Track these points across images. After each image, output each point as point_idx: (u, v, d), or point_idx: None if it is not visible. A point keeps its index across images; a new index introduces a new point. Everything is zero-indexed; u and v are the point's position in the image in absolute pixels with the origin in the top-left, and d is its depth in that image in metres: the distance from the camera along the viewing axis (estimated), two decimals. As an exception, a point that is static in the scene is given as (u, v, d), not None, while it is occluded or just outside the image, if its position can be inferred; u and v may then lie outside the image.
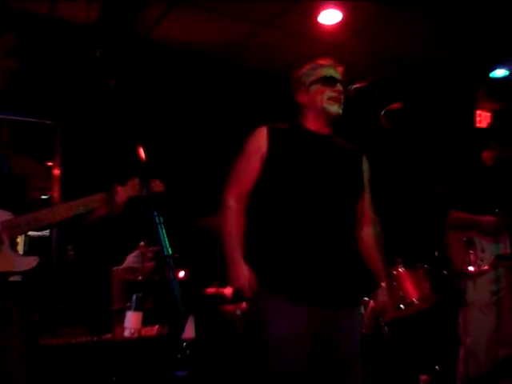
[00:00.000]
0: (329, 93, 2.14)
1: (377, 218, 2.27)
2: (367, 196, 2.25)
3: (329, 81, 2.15)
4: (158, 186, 2.14)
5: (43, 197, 4.20)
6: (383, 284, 2.18)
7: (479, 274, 2.97)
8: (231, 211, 2.11)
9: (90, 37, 3.80)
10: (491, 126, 3.51)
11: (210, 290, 4.02)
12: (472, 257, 2.98)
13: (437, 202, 3.09)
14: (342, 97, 2.16)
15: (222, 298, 3.93)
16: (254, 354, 2.11)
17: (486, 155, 3.18)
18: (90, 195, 2.02)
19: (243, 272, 2.04)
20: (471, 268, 2.98)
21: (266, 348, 2.02)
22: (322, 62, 2.21)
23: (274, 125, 2.18)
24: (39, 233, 3.62)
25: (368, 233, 2.24)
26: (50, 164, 4.40)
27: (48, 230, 3.96)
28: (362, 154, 2.27)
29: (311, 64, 2.21)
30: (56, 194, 4.24)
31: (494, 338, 2.94)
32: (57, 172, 4.35)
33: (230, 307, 3.75)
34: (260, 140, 2.13)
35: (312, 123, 2.20)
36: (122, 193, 2.04)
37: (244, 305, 3.72)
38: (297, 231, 2.05)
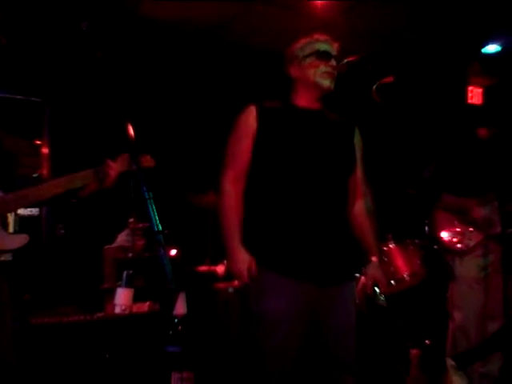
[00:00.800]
0: (322, 67, 2.12)
1: (369, 191, 2.27)
2: (360, 169, 2.24)
3: (323, 55, 2.13)
4: (148, 161, 2.13)
5: (33, 175, 4.15)
6: (374, 259, 2.18)
7: (466, 252, 3.00)
8: (228, 195, 2.10)
9: (76, 10, 3.72)
10: (487, 102, 3.49)
11: (202, 268, 4.03)
12: (459, 236, 3.00)
13: (432, 181, 3.09)
14: (335, 72, 2.14)
15: (214, 276, 3.94)
16: (244, 330, 2.12)
17: (482, 132, 3.16)
18: (79, 171, 2.00)
19: (242, 257, 2.04)
20: (459, 245, 3.01)
21: (258, 323, 2.03)
22: (318, 36, 2.19)
23: (263, 103, 2.16)
24: (29, 212, 3.59)
25: (360, 207, 2.23)
26: (39, 142, 4.35)
27: (38, 209, 3.94)
28: (354, 126, 2.26)
29: (307, 38, 2.19)
30: (45, 172, 4.20)
31: (482, 313, 2.98)
32: (45, 150, 4.30)
33: (222, 285, 3.76)
34: (249, 119, 2.12)
35: (303, 99, 2.18)
36: (114, 167, 2.02)
37: (236, 282, 3.74)
38: (288, 207, 2.05)
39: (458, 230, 3.03)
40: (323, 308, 2.04)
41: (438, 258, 3.17)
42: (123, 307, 2.79)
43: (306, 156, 2.08)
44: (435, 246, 3.16)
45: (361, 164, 2.24)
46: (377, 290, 2.20)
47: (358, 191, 2.23)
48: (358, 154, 2.24)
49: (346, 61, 2.16)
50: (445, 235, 3.07)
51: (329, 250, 2.05)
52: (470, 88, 4.95)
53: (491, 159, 3.06)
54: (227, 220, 2.09)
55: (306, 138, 2.11)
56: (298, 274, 2.01)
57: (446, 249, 3.07)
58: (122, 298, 2.80)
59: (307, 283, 2.01)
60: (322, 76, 2.12)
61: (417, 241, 3.42)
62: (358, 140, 2.25)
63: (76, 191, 1.99)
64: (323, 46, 2.15)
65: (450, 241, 3.03)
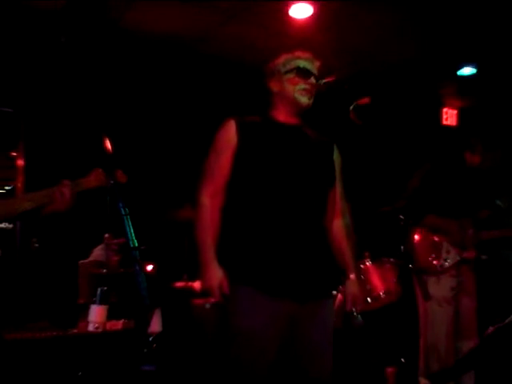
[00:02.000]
0: (301, 84, 2.15)
1: (348, 209, 2.28)
2: (339, 186, 2.25)
3: (303, 72, 2.16)
4: (120, 176, 2.11)
5: (7, 187, 4.09)
6: (352, 276, 2.19)
7: (442, 272, 3.03)
8: (205, 210, 2.08)
9: (56, 22, 3.70)
10: (462, 124, 3.55)
11: (179, 284, 4.00)
12: (436, 257, 3.04)
13: (411, 203, 3.12)
14: (313, 90, 2.16)
15: (190, 292, 3.91)
16: (221, 347, 2.10)
17: (469, 157, 3.20)
18: (41, 190, 1.97)
19: (215, 273, 2.01)
20: (436, 265, 3.04)
21: (234, 338, 2.00)
22: (300, 53, 2.21)
23: (243, 117, 2.17)
24: (3, 225, 3.53)
25: (339, 224, 2.23)
26: (14, 154, 4.29)
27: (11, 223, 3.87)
28: (332, 144, 2.28)
29: (289, 54, 2.21)
30: (20, 185, 4.14)
31: (452, 332, 3.01)
32: (20, 162, 4.24)
33: (199, 301, 3.73)
34: (229, 133, 2.11)
35: (282, 114, 2.19)
36: (69, 187, 1.98)
37: (213, 299, 3.71)
38: (267, 222, 2.03)
39: (433, 251, 3.07)
40: (301, 324, 2.03)
41: (413, 277, 3.19)
42: (96, 325, 2.74)
43: (287, 170, 2.08)
44: (410, 265, 3.18)
45: (340, 181, 2.26)
46: (353, 308, 2.19)
47: (336, 208, 2.23)
48: (337, 171, 2.26)
49: (323, 81, 2.18)
50: (423, 255, 3.10)
51: (307, 266, 2.04)
52: (445, 110, 5.06)
53: (474, 182, 3.11)
54: (202, 235, 2.07)
55: (287, 152, 2.12)
56: (276, 291, 1.99)
57: (423, 268, 3.09)
58: (96, 315, 2.76)
59: (285, 299, 1.99)
60: (300, 93, 2.14)
61: (392, 259, 3.45)
62: (337, 157, 2.27)
63: (40, 209, 1.95)
64: (303, 64, 2.18)
65: (428, 260, 3.06)
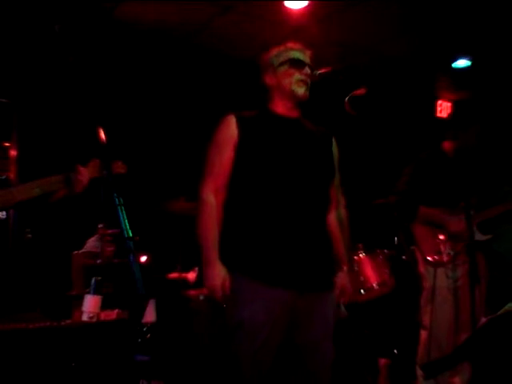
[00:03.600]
0: (297, 75, 2.15)
1: (343, 201, 2.29)
2: (336, 179, 2.26)
3: (297, 63, 2.16)
4: (119, 167, 2.11)
5: (0, 177, 4.06)
6: (345, 267, 2.20)
7: (448, 262, 3.04)
8: (210, 206, 2.06)
9: (49, 12, 3.67)
10: (451, 116, 3.57)
11: (173, 275, 4.00)
12: (441, 246, 3.04)
13: (406, 193, 3.13)
14: (309, 80, 2.16)
15: (184, 283, 3.91)
16: (221, 338, 2.10)
17: (447, 146, 3.23)
18: (48, 176, 1.97)
19: (218, 272, 2.00)
20: (441, 256, 3.04)
21: (236, 330, 2.00)
22: (291, 45, 2.22)
23: (241, 112, 2.16)
24: (-5, 215, 3.51)
25: (333, 215, 2.25)
26: (7, 144, 4.26)
27: (4, 213, 3.85)
28: (331, 136, 2.28)
29: (280, 47, 2.21)
30: (13, 176, 4.11)
31: (453, 323, 3.02)
32: (13, 153, 4.21)
33: (192, 292, 3.74)
34: (230, 128, 2.11)
35: (280, 106, 2.19)
36: (85, 173, 2.00)
37: (207, 290, 3.71)
38: (270, 214, 2.04)
39: (438, 241, 3.08)
40: (301, 317, 2.04)
41: (406, 269, 3.21)
42: (91, 314, 2.74)
43: (288, 163, 2.09)
44: (403, 257, 3.20)
45: (337, 173, 2.26)
46: (341, 300, 2.21)
47: (333, 200, 2.25)
48: (336, 164, 2.26)
49: (318, 72, 2.18)
50: (426, 246, 3.10)
51: (306, 256, 2.05)
52: (439, 102, 5.07)
53: (460, 171, 3.12)
54: (206, 233, 2.04)
55: (287, 144, 2.12)
56: (278, 281, 1.99)
57: (426, 260, 3.10)
58: (90, 305, 2.75)
59: (287, 290, 2.00)
60: (297, 84, 2.14)
61: (386, 251, 3.47)
62: (335, 150, 2.28)
63: (45, 197, 1.96)
64: (296, 54, 2.18)
65: (431, 252, 3.07)
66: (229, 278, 2.00)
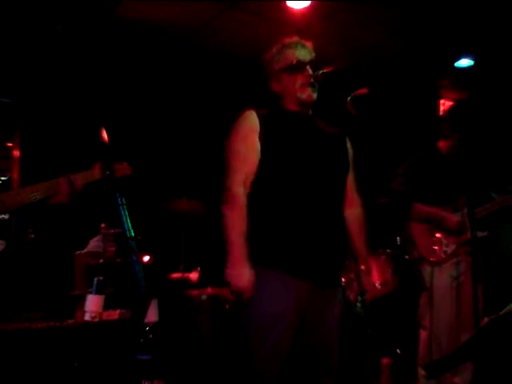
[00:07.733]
0: (299, 81, 2.14)
1: (360, 200, 2.28)
2: (352, 177, 2.26)
3: (296, 67, 2.15)
4: (125, 168, 2.11)
5: (2, 178, 4.07)
6: (363, 267, 2.20)
7: (444, 260, 3.03)
8: (239, 200, 2.00)
9: (52, 11, 3.67)
10: (445, 114, 3.56)
11: (176, 275, 4.00)
12: (437, 245, 3.04)
13: (402, 193, 3.13)
14: (312, 80, 2.14)
15: (187, 283, 3.91)
16: (223, 337, 2.08)
17: (441, 144, 3.22)
18: (46, 180, 1.97)
19: (245, 274, 1.94)
20: (436, 255, 3.04)
21: (254, 324, 1.98)
22: (287, 41, 2.20)
23: (256, 109, 2.15)
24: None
25: (352, 214, 2.25)
26: (10, 145, 4.26)
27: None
28: (345, 135, 2.29)
29: (277, 46, 2.20)
30: (15, 176, 4.11)
31: (454, 322, 3.01)
32: (16, 153, 4.22)
33: (195, 292, 3.74)
34: (252, 121, 2.10)
35: (291, 104, 2.20)
36: (79, 180, 1.99)
37: (209, 290, 3.72)
38: (293, 208, 2.03)
39: (434, 239, 3.07)
40: (315, 310, 2.04)
41: (409, 268, 3.20)
42: (93, 314, 2.74)
43: (309, 158, 2.09)
44: (406, 256, 3.19)
45: (353, 173, 2.27)
46: (359, 298, 2.21)
47: (349, 198, 2.25)
48: (351, 162, 2.27)
49: (321, 72, 2.17)
50: (422, 245, 3.10)
51: (328, 251, 2.05)
52: (442, 101, 5.05)
53: (455, 170, 3.11)
54: (236, 229, 1.97)
55: (308, 140, 2.13)
56: (300, 271, 1.98)
57: (423, 259, 3.09)
58: (92, 304, 2.76)
59: (306, 282, 1.99)
60: (301, 89, 2.14)
61: (388, 250, 3.46)
62: (350, 148, 2.29)
63: (45, 200, 1.96)
64: (294, 53, 2.16)
65: (428, 251, 3.07)
66: (253, 280, 1.95)
